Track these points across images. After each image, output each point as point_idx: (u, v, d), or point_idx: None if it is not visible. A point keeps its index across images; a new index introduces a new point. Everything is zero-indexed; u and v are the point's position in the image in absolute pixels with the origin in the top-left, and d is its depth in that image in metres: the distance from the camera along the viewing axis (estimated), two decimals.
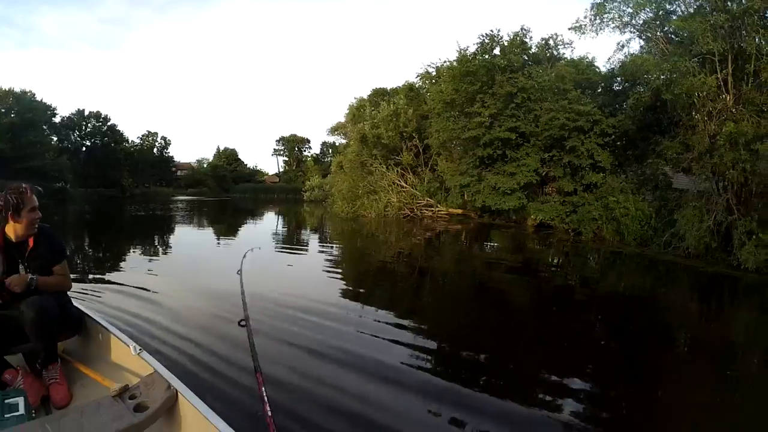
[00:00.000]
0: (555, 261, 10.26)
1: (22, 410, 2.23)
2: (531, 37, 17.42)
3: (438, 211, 21.21)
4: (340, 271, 8.46)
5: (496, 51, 17.22)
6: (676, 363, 4.20)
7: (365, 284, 7.10)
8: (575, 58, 16.38)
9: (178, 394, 2.14)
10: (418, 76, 23.55)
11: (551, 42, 17.15)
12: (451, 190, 20.05)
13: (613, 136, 14.20)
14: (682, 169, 11.33)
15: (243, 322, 2.49)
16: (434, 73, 21.28)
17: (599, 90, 15.55)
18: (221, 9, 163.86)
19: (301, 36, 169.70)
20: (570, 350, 4.26)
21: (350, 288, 6.76)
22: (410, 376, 3.42)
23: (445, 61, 19.57)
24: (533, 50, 17.22)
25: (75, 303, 3.11)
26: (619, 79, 15.19)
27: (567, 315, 5.60)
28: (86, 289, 5.97)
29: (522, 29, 17.22)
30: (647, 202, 12.05)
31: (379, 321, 4.84)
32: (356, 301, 5.77)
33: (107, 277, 7.17)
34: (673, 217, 10.67)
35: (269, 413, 1.81)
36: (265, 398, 1.89)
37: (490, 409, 2.97)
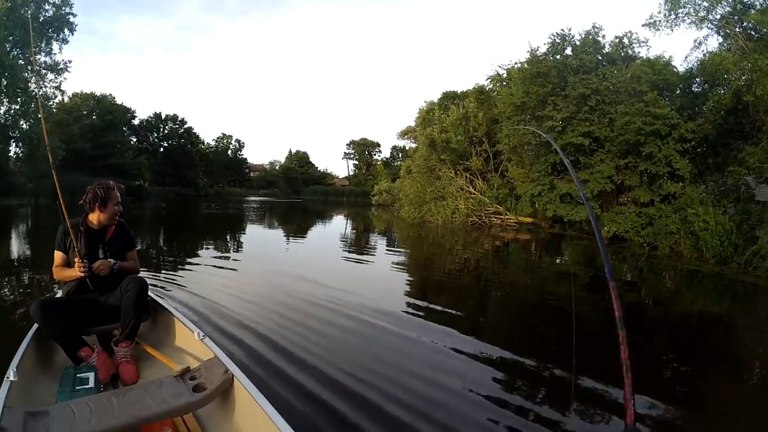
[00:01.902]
0: (628, 277, 10.01)
1: (92, 384, 2.55)
2: (604, 36, 16.93)
3: (507, 219, 21.09)
4: (404, 276, 8.87)
5: (568, 51, 16.94)
6: (746, 396, 4.04)
7: (429, 291, 7.37)
8: (651, 58, 15.73)
9: (234, 378, 2.37)
10: (488, 78, 23.53)
11: (625, 40, 16.52)
12: (522, 198, 19.91)
13: (693, 143, 13.58)
14: (765, 179, 10.71)
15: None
16: (505, 75, 21.21)
17: (677, 92, 14.90)
18: (293, 14, 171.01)
19: (373, 40, 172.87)
20: (637, 370, 4.26)
21: (414, 293, 7.08)
22: (469, 382, 3.59)
23: (515, 63, 19.51)
24: (606, 49, 16.67)
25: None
26: (697, 79, 14.53)
27: (637, 334, 5.50)
28: (160, 278, 6.89)
29: (594, 27, 16.83)
30: (728, 216, 11.40)
31: (438, 326, 5.11)
32: (420, 307, 6.04)
33: (180, 268, 8.22)
34: (754, 233, 10.14)
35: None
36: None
37: (551, 424, 3.05)
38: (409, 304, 6.22)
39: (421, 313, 5.69)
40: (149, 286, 3.18)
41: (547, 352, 4.56)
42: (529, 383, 3.72)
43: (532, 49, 17.89)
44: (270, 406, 2.03)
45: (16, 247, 11.20)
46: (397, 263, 10.36)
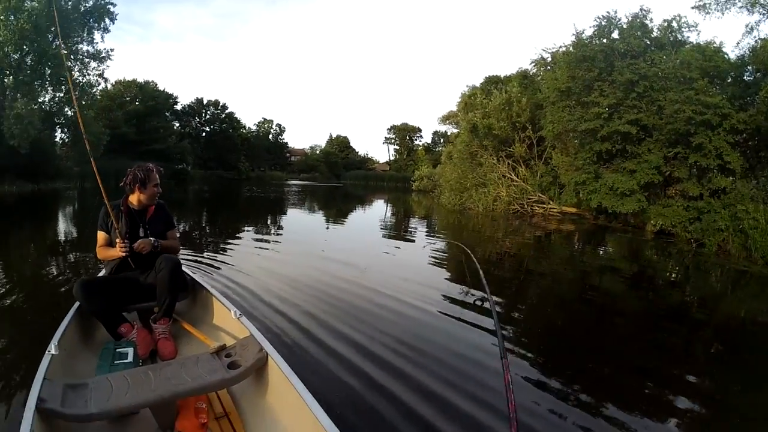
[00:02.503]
0: (673, 274, 9.75)
1: (130, 359, 2.71)
2: (651, 19, 16.25)
3: (550, 208, 20.73)
4: (444, 263, 8.91)
5: (615, 34, 16.38)
6: None
7: (468, 279, 7.30)
8: (701, 43, 15.01)
9: (269, 357, 2.47)
10: (532, 62, 23.08)
11: (674, 24, 15.70)
12: (566, 187, 19.45)
13: (744, 135, 13.00)
14: None
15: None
16: (549, 59, 20.70)
17: (728, 80, 14.19)
18: None
19: (415, 22, 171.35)
20: (679, 370, 4.21)
21: (453, 281, 7.17)
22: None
23: (560, 46, 19.02)
24: (654, 33, 15.96)
25: (186, 270, 3.75)
26: (749, 67, 13.79)
27: (679, 335, 5.46)
28: (202, 258, 7.37)
29: (642, 10, 16.18)
30: None
31: (475, 314, 5.16)
32: (458, 295, 6.14)
33: (221, 248, 8.72)
34: None
35: None
36: None
37: (583, 423, 3.03)
38: (447, 292, 6.29)
39: (458, 301, 5.77)
40: (191, 266, 3.35)
41: (582, 349, 4.57)
42: (564, 381, 3.69)
43: (577, 32, 17.47)
44: (302, 385, 2.10)
45: (63, 228, 11.96)
46: (437, 250, 10.41)
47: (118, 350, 2.79)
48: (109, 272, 3.36)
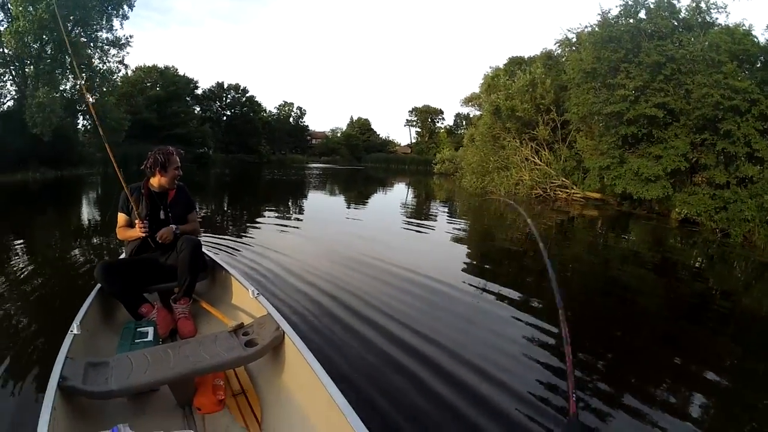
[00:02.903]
0: (696, 264, 9.60)
1: (150, 337, 2.78)
2: None
3: (573, 193, 20.47)
4: (464, 248, 9.03)
5: (642, 14, 15.94)
6: None
7: (488, 263, 7.51)
8: (730, 25, 14.51)
9: (285, 335, 2.52)
10: (556, 42, 22.51)
11: (702, 4, 15.18)
12: (590, 172, 19.11)
13: None
14: None
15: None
16: (574, 40, 20.23)
17: (758, 65, 13.68)
18: None
19: (438, 3, 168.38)
20: (698, 364, 4.16)
21: (473, 265, 7.22)
22: (524, 360, 3.70)
23: (585, 26, 18.54)
24: (682, 14, 15.48)
25: (206, 251, 3.82)
26: None
27: (700, 326, 5.41)
28: (223, 239, 7.66)
29: None
30: None
31: (494, 300, 5.25)
32: (477, 279, 6.17)
33: (242, 230, 9.07)
34: None
35: None
36: None
37: (602, 413, 3.02)
38: (466, 276, 6.37)
39: (477, 285, 5.82)
40: (211, 247, 3.42)
41: (600, 338, 4.56)
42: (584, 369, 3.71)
43: (603, 12, 17.05)
44: (317, 364, 2.14)
45: (86, 212, 12.36)
46: (457, 234, 10.51)
47: (138, 329, 2.87)
48: (130, 253, 3.45)
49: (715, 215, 12.93)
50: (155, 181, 3.44)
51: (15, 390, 2.77)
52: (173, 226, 3.42)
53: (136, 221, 3.32)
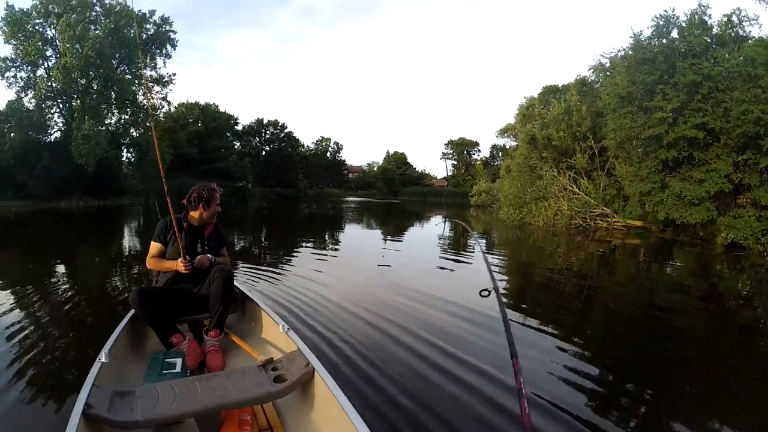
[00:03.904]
0: (744, 290, 9.18)
1: (178, 369, 2.79)
2: (710, 15, 15.60)
3: (614, 222, 20.02)
4: (503, 282, 8.65)
5: (674, 33, 15.85)
6: None
7: (527, 299, 7.27)
8: (764, 37, 14.29)
9: (315, 371, 2.47)
10: (590, 68, 22.69)
11: (734, 18, 14.99)
12: (630, 199, 18.76)
13: None
14: None
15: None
16: (608, 65, 20.19)
17: None
18: (386, 17, 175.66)
19: (469, 37, 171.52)
20: (750, 400, 3.91)
21: (512, 301, 6.92)
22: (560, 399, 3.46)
23: (618, 50, 18.52)
24: (715, 30, 15.31)
25: (237, 284, 3.88)
26: None
27: (750, 358, 5.04)
28: (258, 272, 7.74)
29: (700, 6, 15.54)
30: None
31: (534, 338, 5.01)
32: (516, 316, 5.87)
33: (277, 263, 9.08)
34: None
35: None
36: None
37: None
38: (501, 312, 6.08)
39: (516, 323, 5.52)
40: (245, 279, 3.47)
41: (645, 372, 4.33)
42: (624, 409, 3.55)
43: (635, 34, 16.99)
44: (347, 402, 2.09)
45: (126, 240, 12.79)
46: (496, 267, 10.22)
47: (167, 360, 2.88)
48: (164, 283, 3.49)
49: (761, 238, 12.45)
50: (195, 215, 3.55)
51: (39, 415, 2.81)
52: (209, 255, 3.53)
53: (179, 260, 3.36)
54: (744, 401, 3.86)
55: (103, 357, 2.48)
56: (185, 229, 3.51)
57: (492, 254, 12.33)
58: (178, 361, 2.87)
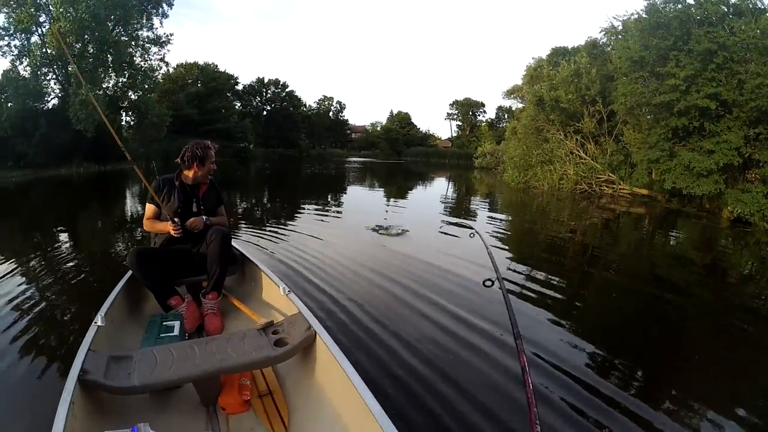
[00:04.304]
0: (748, 267, 9.14)
1: (176, 332, 2.75)
2: None
3: (620, 189, 19.94)
4: (504, 246, 8.80)
5: (690, 0, 15.31)
6: None
7: (527, 265, 7.22)
8: None
9: (317, 335, 2.43)
10: (602, 31, 21.83)
11: None
12: (637, 166, 18.58)
13: None
14: None
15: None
16: (620, 28, 19.58)
17: None
18: None
19: None
20: (744, 378, 3.92)
21: (512, 266, 6.93)
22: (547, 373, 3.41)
23: (632, 13, 17.90)
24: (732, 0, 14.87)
25: (236, 245, 3.86)
26: None
27: (750, 336, 5.03)
28: (261, 233, 7.83)
29: None
30: None
31: (532, 306, 5.03)
32: (515, 282, 5.91)
33: (280, 224, 9.20)
34: None
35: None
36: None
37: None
38: (505, 277, 5.94)
39: (514, 290, 5.54)
40: (247, 241, 3.39)
41: (640, 346, 4.34)
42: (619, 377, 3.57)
43: None
44: (351, 367, 2.05)
45: (126, 204, 12.89)
46: (498, 230, 10.34)
47: (164, 323, 2.84)
48: (161, 244, 3.43)
49: None
50: (189, 174, 3.46)
51: (33, 381, 2.79)
52: (204, 217, 3.46)
53: (168, 224, 3.31)
54: (738, 375, 3.90)
55: (99, 320, 2.44)
56: (178, 189, 3.43)
57: (494, 219, 12.36)
58: (176, 324, 2.84)
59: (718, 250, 10.41)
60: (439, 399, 2.90)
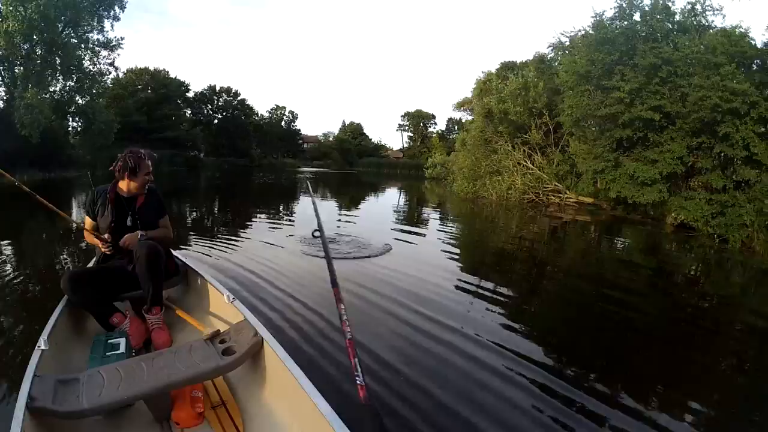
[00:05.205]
0: (692, 271, 9.33)
1: (122, 349, 2.67)
2: (674, 1, 15.67)
3: (566, 198, 20.28)
4: (454, 255, 8.73)
5: (636, 17, 15.79)
6: None
7: (478, 273, 7.19)
8: (726, 27, 14.32)
9: (264, 341, 2.41)
10: (549, 46, 22.28)
11: (698, 7, 15.04)
12: (583, 176, 18.96)
13: None
14: None
15: (316, 233, 2.47)
16: (567, 43, 20.05)
17: (754, 67, 13.49)
18: None
19: (428, 9, 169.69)
20: (691, 380, 3.94)
21: (462, 274, 6.92)
22: (506, 377, 3.45)
23: (579, 30, 18.39)
24: (677, 17, 15.39)
25: (179, 255, 3.76)
26: None
27: (697, 338, 5.08)
28: (208, 243, 7.58)
29: None
30: None
31: (481, 316, 4.96)
32: (466, 289, 5.94)
33: (228, 234, 8.97)
34: None
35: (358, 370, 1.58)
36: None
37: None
38: (455, 285, 6.10)
39: (467, 297, 5.57)
40: (194, 251, 3.10)
41: (587, 360, 4.21)
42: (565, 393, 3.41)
43: (596, 14, 16.84)
44: (299, 371, 2.05)
45: (74, 215, 11.78)
46: (447, 240, 10.26)
47: (110, 341, 2.74)
48: (98, 261, 3.29)
49: (711, 220, 12.66)
50: (124, 185, 3.20)
51: None
52: (139, 232, 3.18)
53: (100, 245, 3.16)
54: (686, 378, 3.90)
55: (42, 344, 2.32)
56: (110, 202, 3.18)
57: (445, 228, 12.37)
58: (122, 342, 2.75)
59: (664, 255, 10.63)
60: (394, 397, 2.97)
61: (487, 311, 5.05)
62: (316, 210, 2.71)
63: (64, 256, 7.10)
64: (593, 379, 3.58)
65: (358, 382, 1.47)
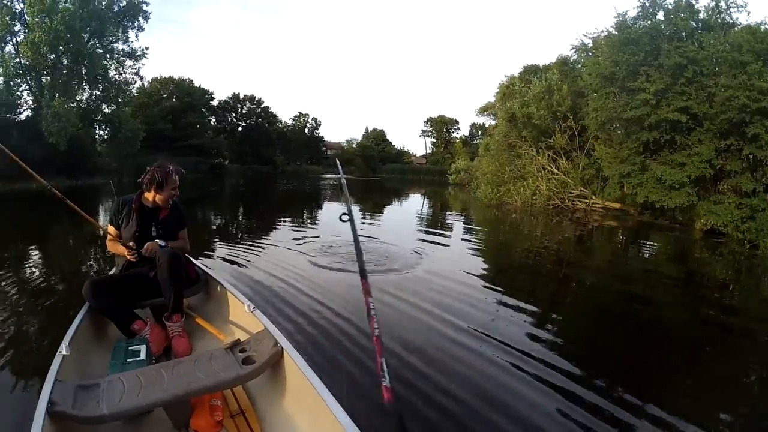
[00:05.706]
0: (722, 277, 8.99)
1: (143, 356, 2.70)
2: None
3: (592, 203, 19.90)
4: (478, 263, 8.68)
5: (660, 15, 15.45)
6: None
7: (502, 281, 7.12)
8: (752, 24, 13.92)
9: (284, 351, 2.42)
10: (572, 48, 22.12)
11: (722, 4, 14.68)
12: (609, 181, 18.56)
13: None
14: None
15: (345, 216, 2.33)
16: (591, 45, 19.75)
17: None
18: None
19: (452, 14, 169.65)
20: (721, 390, 3.82)
21: (487, 282, 6.80)
22: (532, 384, 3.42)
23: (602, 31, 18.12)
24: (701, 15, 15.00)
25: (200, 264, 3.82)
26: None
27: (728, 348, 4.92)
28: (232, 251, 7.58)
29: None
30: None
31: (512, 319, 4.97)
32: (490, 297, 5.88)
33: (252, 241, 8.92)
34: None
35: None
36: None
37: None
38: (481, 293, 6.06)
39: (493, 305, 5.49)
40: (216, 258, 3.12)
41: (615, 369, 4.11)
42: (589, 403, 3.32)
43: (619, 14, 16.55)
44: (319, 381, 2.04)
45: (100, 221, 12.00)
46: (473, 248, 10.16)
47: (130, 348, 2.76)
48: (121, 269, 3.32)
49: (741, 225, 12.28)
50: (149, 197, 3.30)
51: (1, 415, 2.67)
52: (159, 241, 3.25)
53: (127, 253, 3.21)
54: (716, 385, 3.85)
55: (63, 349, 2.34)
56: (135, 212, 3.27)
57: (469, 236, 12.22)
58: (143, 348, 2.77)
59: (693, 262, 10.31)
60: (420, 401, 2.97)
61: (513, 318, 5.00)
62: (344, 189, 2.59)
63: (91, 262, 7.22)
64: (620, 387, 3.50)
65: (383, 383, 1.42)
